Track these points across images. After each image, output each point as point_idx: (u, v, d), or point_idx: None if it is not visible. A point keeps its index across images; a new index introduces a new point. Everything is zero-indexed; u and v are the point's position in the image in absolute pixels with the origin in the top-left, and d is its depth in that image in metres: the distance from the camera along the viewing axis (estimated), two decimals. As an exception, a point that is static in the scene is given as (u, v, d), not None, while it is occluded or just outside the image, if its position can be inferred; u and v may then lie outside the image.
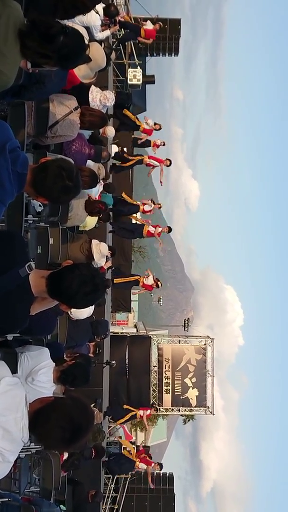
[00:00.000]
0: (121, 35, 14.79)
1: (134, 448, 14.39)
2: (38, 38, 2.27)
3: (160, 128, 13.42)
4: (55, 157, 2.75)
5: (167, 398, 17.19)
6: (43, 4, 2.95)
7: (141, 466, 12.84)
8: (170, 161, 13.43)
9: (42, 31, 2.28)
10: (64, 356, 4.62)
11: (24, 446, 2.22)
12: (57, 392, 3.92)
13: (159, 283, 13.38)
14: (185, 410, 17.80)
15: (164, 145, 13.81)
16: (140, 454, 13.08)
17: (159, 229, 12.94)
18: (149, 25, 13.35)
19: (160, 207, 14.08)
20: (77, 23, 6.20)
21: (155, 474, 17.39)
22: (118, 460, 13.17)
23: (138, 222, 13.87)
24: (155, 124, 13.31)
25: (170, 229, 13.24)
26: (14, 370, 3.01)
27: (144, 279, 13.32)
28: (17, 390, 2.19)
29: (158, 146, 13.63)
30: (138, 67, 16.93)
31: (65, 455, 7.20)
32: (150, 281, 13.30)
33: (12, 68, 2.31)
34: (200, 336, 18.61)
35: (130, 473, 14.43)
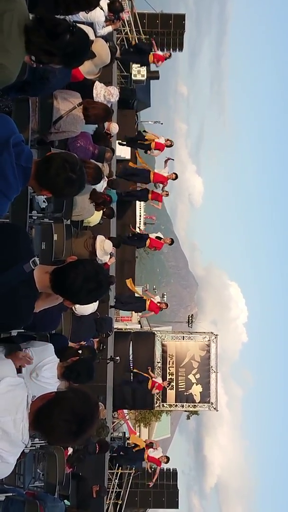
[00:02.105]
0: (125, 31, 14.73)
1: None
2: (44, 34, 2.26)
3: (171, 145, 13.23)
4: (59, 152, 2.74)
5: (171, 394, 17.18)
6: (46, 0, 2.94)
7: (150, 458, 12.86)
8: (176, 175, 13.09)
9: (49, 28, 2.27)
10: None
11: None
12: (61, 388, 3.92)
13: (163, 305, 13.55)
14: (189, 406, 17.77)
15: (172, 144, 13.43)
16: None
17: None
18: (161, 139, 13.14)
19: (167, 195, 13.92)
20: (81, 18, 6.18)
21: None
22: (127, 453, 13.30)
23: (140, 232, 14.22)
24: (166, 140, 13.22)
25: (172, 241, 13.72)
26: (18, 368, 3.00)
27: (152, 298, 13.64)
28: (19, 391, 2.15)
29: (166, 146, 13.18)
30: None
31: (70, 450, 7.21)
32: (156, 299, 13.59)
33: (15, 63, 2.30)
34: (204, 333, 18.55)
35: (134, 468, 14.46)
